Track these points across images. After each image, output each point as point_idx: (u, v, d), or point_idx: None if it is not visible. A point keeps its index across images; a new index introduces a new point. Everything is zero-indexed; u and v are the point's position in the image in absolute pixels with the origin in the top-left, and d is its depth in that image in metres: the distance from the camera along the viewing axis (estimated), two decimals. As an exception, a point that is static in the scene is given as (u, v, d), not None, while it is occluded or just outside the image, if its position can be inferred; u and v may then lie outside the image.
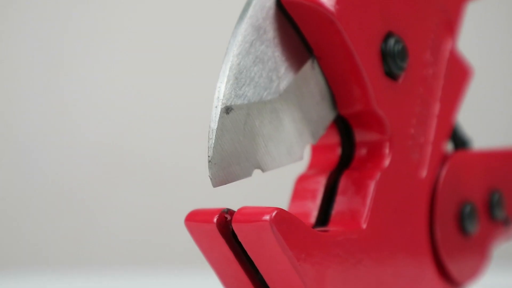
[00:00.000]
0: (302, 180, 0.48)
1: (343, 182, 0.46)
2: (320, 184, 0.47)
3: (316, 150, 0.49)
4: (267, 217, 0.39)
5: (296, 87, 0.44)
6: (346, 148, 0.48)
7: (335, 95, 0.46)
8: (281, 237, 0.39)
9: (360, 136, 0.48)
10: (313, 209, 0.46)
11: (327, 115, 0.46)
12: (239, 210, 0.40)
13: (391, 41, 0.46)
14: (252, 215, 0.39)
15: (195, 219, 0.41)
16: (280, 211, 0.39)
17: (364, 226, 0.44)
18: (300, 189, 0.47)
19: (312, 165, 0.49)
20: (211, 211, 0.41)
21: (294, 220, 0.40)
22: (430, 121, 0.50)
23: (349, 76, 0.45)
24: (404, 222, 0.47)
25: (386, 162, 0.46)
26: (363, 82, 0.45)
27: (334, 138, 0.48)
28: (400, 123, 0.47)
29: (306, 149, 0.47)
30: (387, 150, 0.46)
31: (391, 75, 0.47)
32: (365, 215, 0.45)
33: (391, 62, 0.46)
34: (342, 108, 0.46)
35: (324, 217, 0.46)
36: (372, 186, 0.45)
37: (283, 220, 0.39)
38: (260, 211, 0.39)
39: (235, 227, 0.40)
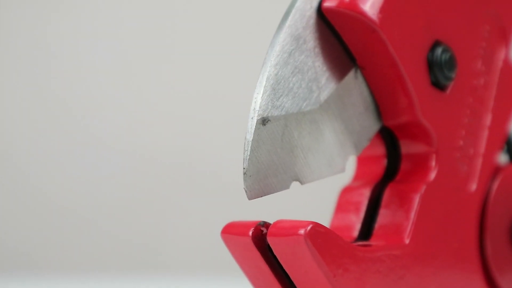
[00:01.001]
0: (346, 192, 0.47)
1: (387, 195, 0.45)
2: (364, 197, 0.46)
3: (362, 161, 0.48)
4: (302, 231, 0.38)
5: (337, 98, 0.43)
6: (391, 160, 0.47)
7: (380, 105, 0.45)
8: (316, 252, 0.38)
9: (406, 148, 0.46)
10: (356, 222, 0.45)
11: (371, 126, 0.45)
12: (275, 223, 0.39)
13: (438, 50, 0.45)
14: (287, 229, 0.39)
15: (230, 232, 0.40)
16: (316, 225, 0.38)
17: (407, 241, 0.43)
18: (344, 202, 0.46)
19: (357, 177, 0.48)
20: (247, 224, 0.40)
21: (331, 234, 0.39)
22: (480, 132, 0.48)
23: (394, 86, 0.44)
24: (450, 236, 0.46)
25: (432, 175, 0.45)
26: (408, 92, 0.44)
27: (380, 150, 0.47)
28: (447, 134, 0.46)
29: (349, 161, 0.46)
30: (433, 163, 0.45)
31: (438, 85, 0.45)
32: (409, 229, 0.43)
33: (438, 72, 0.45)
34: (387, 119, 0.45)
35: (367, 231, 0.45)
36: (416, 200, 0.44)
37: (318, 234, 0.38)
38: (295, 225, 0.38)
39: (270, 240, 0.39)
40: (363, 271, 0.40)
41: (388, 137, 0.47)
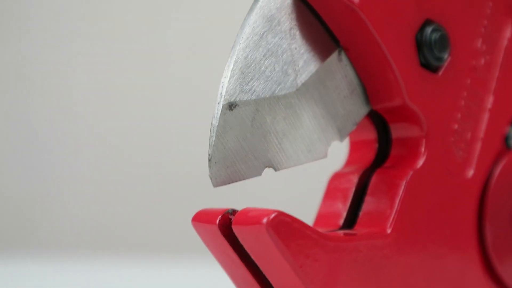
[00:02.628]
0: (335, 178, 0.45)
1: (373, 181, 0.43)
2: (351, 183, 0.44)
3: (353, 146, 0.46)
4: (264, 220, 0.37)
5: (318, 81, 0.41)
6: (382, 145, 0.45)
7: (367, 88, 0.43)
8: (279, 241, 0.37)
9: (396, 132, 0.45)
10: (342, 210, 0.44)
11: (358, 110, 0.43)
12: (241, 211, 0.38)
13: (428, 30, 0.43)
14: (251, 217, 0.37)
15: (199, 219, 0.39)
16: (280, 214, 0.37)
17: (389, 230, 0.41)
18: (332, 188, 0.45)
19: (348, 162, 0.46)
20: (216, 212, 0.39)
21: (297, 224, 0.38)
22: (480, 115, 0.46)
23: (378, 68, 0.42)
24: (443, 224, 0.44)
25: (420, 160, 0.43)
26: (393, 75, 0.42)
27: (371, 134, 0.45)
28: (440, 118, 0.44)
29: (344, 145, 0.45)
30: (422, 148, 0.43)
31: (429, 67, 0.43)
32: (392, 218, 0.42)
33: (428, 52, 0.43)
34: (374, 103, 0.43)
35: (352, 219, 0.43)
36: (402, 187, 0.42)
37: (282, 224, 0.37)
38: (260, 214, 0.37)
39: (235, 229, 0.38)
40: (336, 261, 0.39)
41: (379, 121, 0.45)
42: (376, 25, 0.41)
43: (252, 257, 0.39)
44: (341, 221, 0.43)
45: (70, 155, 1.25)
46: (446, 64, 0.44)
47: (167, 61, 1.21)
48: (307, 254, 0.38)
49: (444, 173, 0.44)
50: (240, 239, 0.38)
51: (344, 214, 0.43)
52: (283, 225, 0.37)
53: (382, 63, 0.42)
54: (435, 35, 0.43)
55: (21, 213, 1.27)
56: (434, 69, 0.44)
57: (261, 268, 0.39)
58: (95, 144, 1.24)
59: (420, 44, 0.43)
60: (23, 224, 1.26)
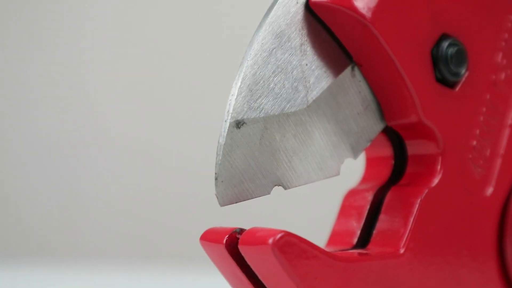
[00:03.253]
0: (350, 195, 0.44)
1: (388, 199, 0.43)
2: (366, 201, 0.43)
3: (370, 163, 0.45)
4: (270, 240, 0.36)
5: (330, 97, 0.41)
6: (398, 162, 0.44)
7: (381, 104, 0.42)
8: (286, 262, 0.36)
9: (412, 149, 0.44)
10: (356, 228, 0.43)
11: (372, 127, 0.42)
12: (248, 231, 0.38)
13: (444, 45, 0.42)
14: (257, 237, 0.37)
15: (207, 238, 0.39)
16: (287, 234, 0.36)
17: (402, 250, 0.40)
18: (347, 206, 0.44)
19: (364, 179, 0.45)
20: (223, 231, 0.39)
21: (304, 244, 0.37)
22: (500, 131, 0.45)
23: (392, 84, 0.41)
24: (460, 244, 0.43)
25: (436, 178, 0.42)
26: (408, 91, 0.41)
27: (387, 151, 0.45)
28: (457, 135, 0.43)
29: (359, 162, 0.44)
30: (438, 165, 0.42)
31: (445, 82, 0.42)
32: (406, 237, 0.41)
33: (444, 68, 0.42)
34: (389, 119, 0.42)
35: (366, 237, 0.43)
36: (416, 205, 0.41)
37: (289, 244, 0.36)
38: (266, 234, 0.37)
39: (242, 249, 0.37)
40: (346, 282, 0.38)
41: (395, 137, 0.44)
42: (389, 41, 0.40)
43: (260, 277, 0.38)
44: (355, 240, 0.43)
45: (88, 162, 1.26)
46: (463, 79, 0.43)
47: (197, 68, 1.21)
48: (315, 275, 0.37)
49: (461, 191, 0.43)
50: (246, 259, 0.38)
51: (358, 232, 0.43)
52: (290, 246, 0.36)
53: (396, 79, 0.41)
54: (452, 50, 0.42)
55: (31, 221, 1.28)
56: (451, 85, 0.43)
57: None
58: (114, 150, 1.25)
59: (436, 59, 0.42)
60: (31, 232, 1.27)
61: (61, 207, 1.27)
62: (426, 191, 0.41)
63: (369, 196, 0.43)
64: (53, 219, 1.27)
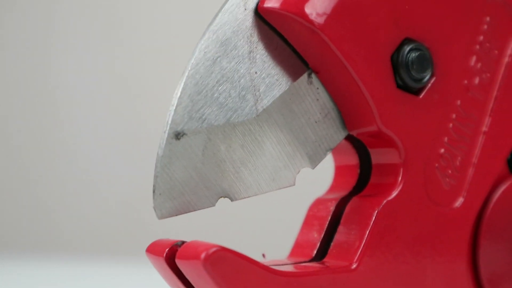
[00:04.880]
0: (315, 205, 0.43)
1: (347, 210, 0.41)
2: (328, 211, 0.42)
3: (338, 171, 0.44)
4: (203, 255, 0.35)
5: (283, 106, 0.40)
6: (364, 171, 0.43)
7: (342, 113, 0.41)
8: (218, 278, 0.36)
9: (375, 158, 0.42)
10: (317, 240, 0.42)
11: (333, 136, 0.41)
12: (186, 244, 0.37)
13: (405, 50, 0.40)
14: (192, 251, 0.36)
15: (151, 250, 0.38)
16: (220, 249, 0.36)
17: (354, 265, 0.39)
18: (311, 216, 0.43)
19: (331, 188, 0.44)
20: (166, 243, 0.38)
21: (240, 259, 0.36)
22: (473, 138, 0.43)
23: (348, 92, 0.40)
24: (426, 258, 0.41)
25: (396, 189, 0.40)
26: (364, 99, 0.40)
27: (354, 160, 0.43)
28: (421, 143, 0.41)
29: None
30: (399, 175, 0.41)
31: (407, 89, 0.41)
32: (359, 251, 0.39)
33: (405, 74, 0.40)
34: (350, 128, 0.41)
35: (325, 249, 0.41)
36: (373, 217, 0.40)
37: (221, 259, 0.36)
38: (200, 248, 0.36)
39: (178, 262, 0.37)
40: (288, 298, 0.37)
41: (360, 146, 0.43)
42: (341, 47, 0.39)
43: (198, 291, 0.37)
44: (314, 252, 0.41)
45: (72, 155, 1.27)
46: (429, 85, 0.41)
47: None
48: (252, 291, 0.36)
49: (425, 202, 0.41)
50: (184, 273, 0.37)
51: (318, 244, 0.41)
52: (223, 261, 0.36)
53: (352, 86, 0.40)
54: (413, 55, 0.40)
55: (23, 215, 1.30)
56: (414, 91, 0.41)
57: (209, 303, 0.37)
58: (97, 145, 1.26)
59: (397, 65, 0.40)
60: (25, 226, 1.29)
61: (46, 202, 1.30)
62: (384, 202, 0.40)
63: (331, 206, 0.42)
64: (37, 214, 1.29)
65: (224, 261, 0.36)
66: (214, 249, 0.36)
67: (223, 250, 0.36)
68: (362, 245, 0.39)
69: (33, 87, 1.32)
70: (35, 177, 1.32)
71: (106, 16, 1.31)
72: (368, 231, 0.39)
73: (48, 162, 1.31)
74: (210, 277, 0.35)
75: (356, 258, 0.39)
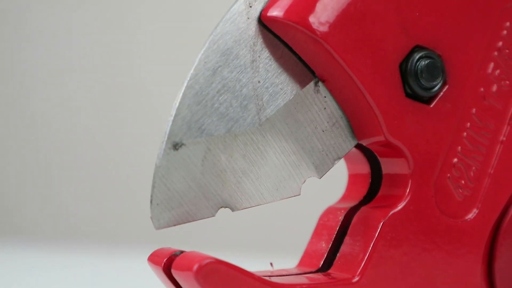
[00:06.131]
0: (325, 214, 0.43)
1: (354, 221, 0.41)
2: (337, 221, 0.42)
3: (351, 180, 0.43)
4: (195, 267, 0.35)
5: (287, 115, 0.39)
6: (375, 181, 0.42)
7: (350, 121, 0.40)
8: (210, 290, 0.35)
9: (386, 168, 0.41)
10: (324, 250, 0.41)
11: (341, 145, 0.40)
12: (182, 255, 0.37)
13: (414, 58, 0.39)
14: (186, 263, 0.36)
15: (151, 259, 0.39)
16: (213, 262, 0.36)
17: (356, 278, 0.38)
18: (321, 225, 0.42)
19: (344, 196, 0.43)
20: (165, 253, 0.38)
21: (235, 272, 0.36)
22: (490, 148, 0.41)
23: (355, 101, 0.39)
24: (434, 272, 0.40)
25: (403, 200, 0.40)
26: (370, 108, 0.39)
27: (365, 169, 0.42)
28: (432, 153, 0.40)
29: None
30: (407, 186, 0.40)
31: (417, 98, 0.40)
32: (363, 264, 0.39)
33: (413, 82, 0.39)
34: (359, 137, 0.40)
35: (331, 260, 0.41)
36: (378, 229, 0.39)
37: (214, 271, 0.36)
38: (194, 259, 0.36)
39: (174, 273, 0.37)
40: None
41: (371, 155, 0.42)
42: (345, 57, 0.38)
43: (195, 302, 0.37)
44: (321, 262, 0.41)
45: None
46: (441, 94, 0.40)
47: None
48: (246, 303, 0.36)
49: (435, 213, 0.40)
50: (179, 283, 0.37)
51: (325, 254, 0.41)
52: (216, 273, 0.35)
53: (358, 95, 0.39)
54: (423, 63, 0.39)
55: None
56: (425, 100, 0.40)
57: (206, 314, 0.37)
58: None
59: (405, 74, 0.39)
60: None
61: (27, 187, 1.32)
62: (390, 213, 0.39)
63: (340, 216, 0.41)
64: (19, 200, 1.32)
65: (217, 274, 0.36)
66: (207, 261, 0.35)
67: (217, 262, 0.36)
68: (366, 258, 0.39)
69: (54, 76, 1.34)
70: (45, 166, 1.35)
71: (105, 21, 1.33)
72: (372, 243, 0.39)
73: (56, 151, 1.34)
74: (202, 289, 0.35)
75: (359, 271, 0.38)
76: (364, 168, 0.42)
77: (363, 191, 0.42)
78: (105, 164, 1.32)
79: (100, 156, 1.32)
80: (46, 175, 1.36)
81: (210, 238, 1.09)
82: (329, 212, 0.42)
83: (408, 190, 0.39)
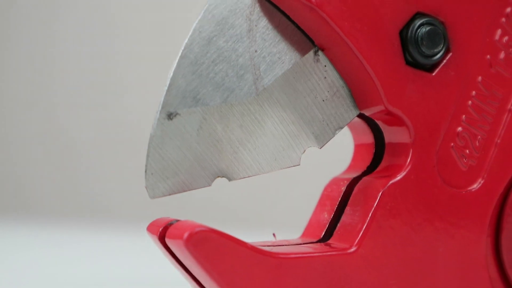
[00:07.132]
0: (329, 184, 0.42)
1: (356, 191, 0.40)
2: (339, 192, 0.41)
3: (356, 150, 0.43)
4: (185, 235, 0.36)
5: (286, 84, 0.39)
6: (378, 151, 0.41)
7: (352, 91, 0.40)
8: (201, 258, 0.36)
9: (388, 137, 0.41)
10: (326, 220, 0.41)
11: (343, 114, 0.40)
12: (176, 224, 0.37)
13: (415, 25, 0.38)
14: (178, 231, 0.36)
15: (150, 229, 0.39)
16: (204, 230, 0.36)
17: (354, 248, 0.38)
18: (325, 195, 0.42)
19: (349, 167, 0.43)
20: (162, 222, 0.38)
21: (226, 240, 0.36)
22: (497, 117, 0.40)
23: (354, 70, 0.39)
24: (436, 242, 0.39)
25: (403, 170, 0.39)
26: (368, 76, 0.38)
27: (369, 138, 0.42)
28: (434, 122, 0.39)
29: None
30: (408, 156, 0.39)
31: (419, 66, 0.39)
32: (361, 233, 0.38)
33: (414, 50, 0.39)
34: (361, 106, 0.40)
35: (332, 230, 0.41)
36: (377, 199, 0.39)
37: (205, 240, 0.36)
38: (186, 228, 0.36)
39: (167, 242, 0.37)
40: (278, 279, 0.37)
41: (374, 124, 0.41)
42: (342, 24, 0.38)
43: (189, 269, 0.38)
44: (323, 232, 0.41)
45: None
46: (444, 61, 0.39)
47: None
48: (239, 272, 0.36)
49: (437, 183, 0.39)
50: (173, 251, 0.37)
51: (327, 225, 0.41)
52: (206, 241, 0.36)
53: (357, 64, 0.38)
54: (423, 30, 0.38)
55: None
56: (427, 68, 0.39)
57: (200, 281, 0.38)
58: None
59: (405, 42, 0.39)
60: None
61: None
62: (390, 183, 0.39)
63: (343, 187, 0.41)
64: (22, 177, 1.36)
65: (208, 242, 0.36)
66: (198, 229, 0.36)
67: (208, 231, 0.36)
68: (364, 228, 0.38)
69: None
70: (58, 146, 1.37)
71: (100, 13, 1.33)
72: (371, 213, 0.38)
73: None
74: (193, 257, 0.36)
75: (357, 240, 0.38)
76: (368, 138, 0.42)
77: (367, 161, 0.42)
78: (103, 141, 1.34)
79: (98, 131, 1.34)
80: (49, 153, 1.38)
81: (218, 213, 1.09)
82: (333, 182, 0.42)
83: (409, 160, 0.39)
